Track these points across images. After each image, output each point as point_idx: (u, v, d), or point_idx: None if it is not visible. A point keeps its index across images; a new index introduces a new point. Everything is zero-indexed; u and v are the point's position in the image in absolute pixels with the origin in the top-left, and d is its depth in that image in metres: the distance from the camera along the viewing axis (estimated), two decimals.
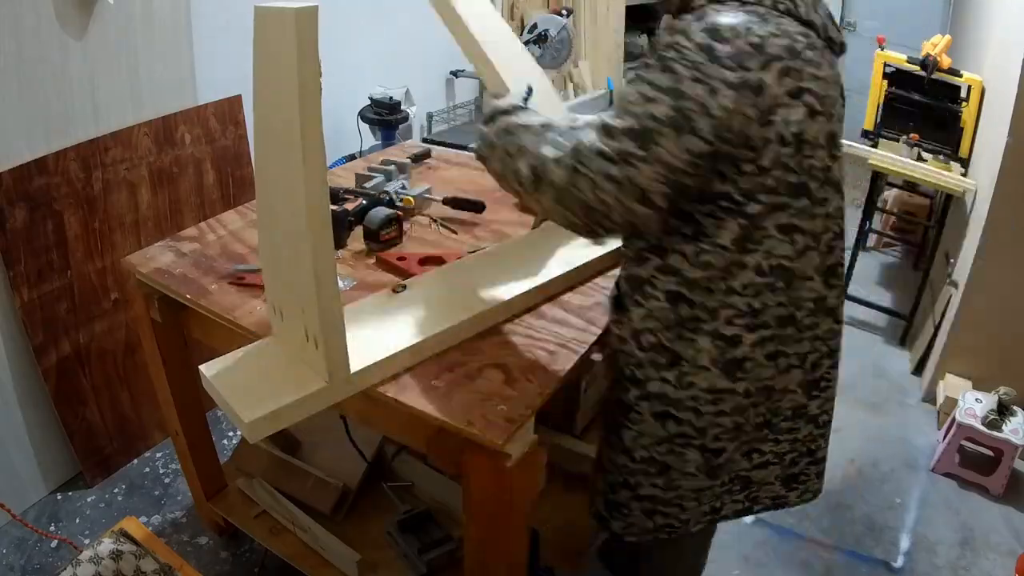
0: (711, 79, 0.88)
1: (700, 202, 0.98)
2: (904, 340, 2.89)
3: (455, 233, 1.54)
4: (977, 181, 2.50)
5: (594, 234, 1.00)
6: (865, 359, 2.74)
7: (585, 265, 1.38)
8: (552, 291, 1.33)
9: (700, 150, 0.90)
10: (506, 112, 1.10)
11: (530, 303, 1.29)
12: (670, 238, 1.02)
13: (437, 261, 1.41)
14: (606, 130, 0.93)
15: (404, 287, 1.27)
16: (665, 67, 0.91)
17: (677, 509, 1.17)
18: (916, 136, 2.78)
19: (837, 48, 1.01)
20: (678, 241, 1.01)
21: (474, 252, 1.46)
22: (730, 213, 0.97)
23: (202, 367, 1.07)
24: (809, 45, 0.93)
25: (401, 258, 1.42)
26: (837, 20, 1.04)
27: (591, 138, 0.94)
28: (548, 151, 0.98)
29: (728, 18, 0.91)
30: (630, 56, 4.70)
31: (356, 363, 1.05)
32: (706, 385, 1.06)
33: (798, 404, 1.14)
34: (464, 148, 2.15)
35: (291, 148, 0.88)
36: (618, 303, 1.13)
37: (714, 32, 0.90)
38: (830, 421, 1.21)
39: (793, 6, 0.95)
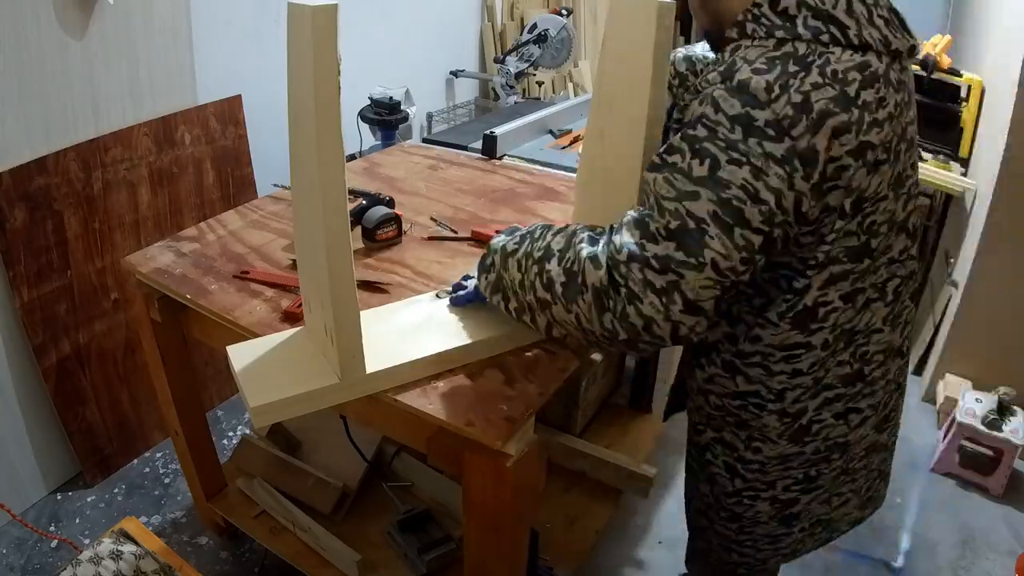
0: (753, 157, 0.75)
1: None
2: None
3: (455, 232, 1.54)
4: (977, 181, 2.50)
5: (634, 348, 0.85)
6: None
7: None
8: None
9: (754, 243, 0.76)
10: (515, 231, 0.99)
11: None
12: (738, 304, 0.94)
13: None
14: (644, 231, 0.78)
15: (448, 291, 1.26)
16: (695, 151, 0.77)
17: (752, 550, 1.14)
18: None
19: (905, 55, 0.85)
20: (745, 308, 0.94)
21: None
22: (785, 285, 0.89)
23: (229, 348, 1.09)
24: (867, 81, 0.78)
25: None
26: None
27: (626, 239, 0.79)
28: (584, 248, 0.83)
29: (760, 72, 0.76)
30: None
31: (375, 364, 1.04)
32: (774, 453, 1.02)
33: (872, 442, 1.09)
34: (464, 148, 2.15)
35: (309, 145, 0.88)
36: (693, 353, 1.06)
37: (746, 96, 0.75)
38: (897, 437, 1.16)
39: (840, 31, 0.78)
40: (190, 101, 2.09)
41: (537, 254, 0.90)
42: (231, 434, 2.24)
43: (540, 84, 3.62)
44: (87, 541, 1.82)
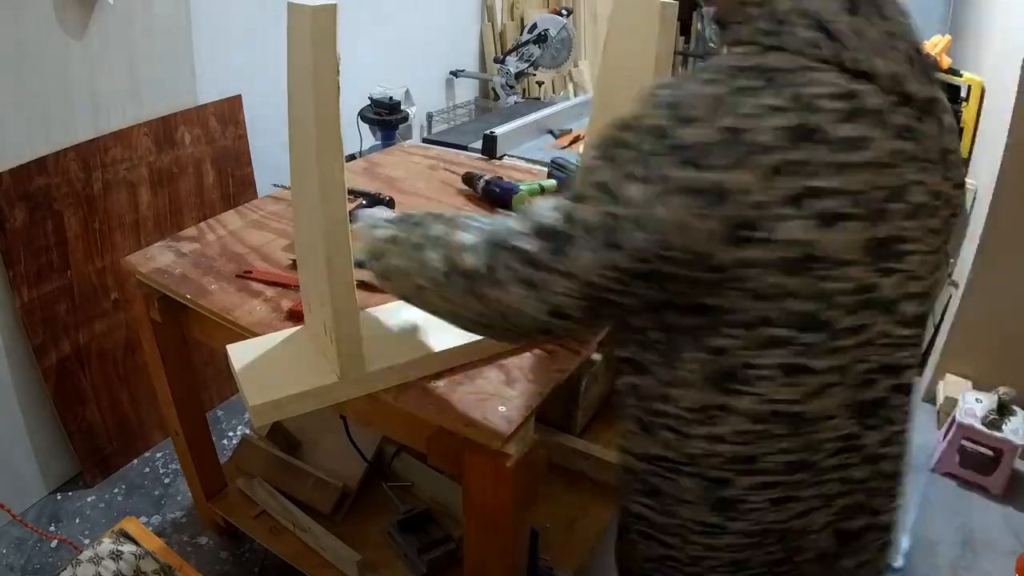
0: (655, 177, 0.63)
1: (652, 314, 0.74)
2: None
3: None
4: (977, 181, 2.50)
5: (508, 337, 0.83)
6: None
7: None
8: None
9: (627, 267, 0.66)
10: (406, 218, 0.92)
11: None
12: (644, 351, 0.77)
13: None
14: (528, 221, 0.73)
15: None
16: (607, 153, 0.68)
17: None
18: None
19: (920, 105, 0.68)
20: (652, 359, 0.76)
21: None
22: (691, 340, 0.71)
23: (228, 347, 1.10)
24: (849, 114, 0.63)
25: None
26: None
27: (511, 226, 0.74)
28: (465, 236, 0.79)
29: (708, 82, 0.64)
30: None
31: (375, 363, 1.05)
32: (691, 516, 0.81)
33: (826, 550, 0.83)
34: (464, 148, 2.15)
35: (309, 145, 0.88)
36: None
37: (676, 106, 0.63)
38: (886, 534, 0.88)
39: (841, 49, 0.64)
40: (190, 101, 2.09)
41: (418, 239, 0.86)
42: (231, 434, 2.24)
43: (540, 84, 3.62)
44: (87, 541, 1.82)
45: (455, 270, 0.78)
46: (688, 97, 0.64)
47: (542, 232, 0.71)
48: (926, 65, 0.69)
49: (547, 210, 0.73)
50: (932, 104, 0.70)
